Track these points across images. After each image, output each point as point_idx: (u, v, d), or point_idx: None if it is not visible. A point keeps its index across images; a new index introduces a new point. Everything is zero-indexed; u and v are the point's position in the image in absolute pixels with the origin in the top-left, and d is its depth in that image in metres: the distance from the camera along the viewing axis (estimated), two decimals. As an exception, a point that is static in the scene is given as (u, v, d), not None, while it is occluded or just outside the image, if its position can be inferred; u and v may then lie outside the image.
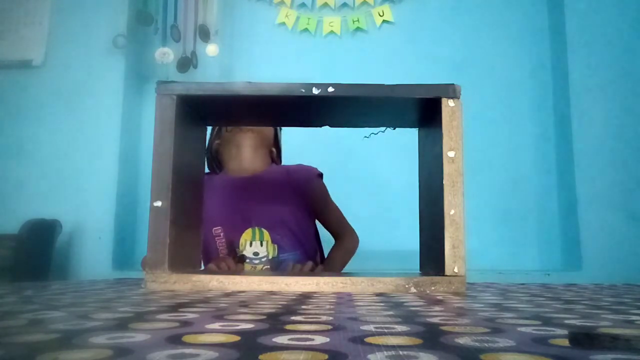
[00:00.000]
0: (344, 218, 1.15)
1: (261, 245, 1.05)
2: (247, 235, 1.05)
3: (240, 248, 1.05)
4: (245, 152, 1.09)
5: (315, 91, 0.66)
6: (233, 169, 1.11)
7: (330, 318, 0.34)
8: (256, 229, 1.05)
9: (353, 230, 1.14)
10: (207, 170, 1.12)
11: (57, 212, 1.58)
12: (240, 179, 1.09)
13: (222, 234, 1.07)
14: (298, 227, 1.09)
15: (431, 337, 0.27)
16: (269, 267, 1.03)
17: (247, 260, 1.04)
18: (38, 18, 1.79)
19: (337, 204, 1.16)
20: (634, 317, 0.36)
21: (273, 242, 1.05)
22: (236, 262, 1.02)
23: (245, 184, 1.08)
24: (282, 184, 1.10)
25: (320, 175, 1.14)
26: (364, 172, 1.73)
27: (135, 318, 0.33)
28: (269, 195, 1.08)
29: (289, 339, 0.26)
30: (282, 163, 1.19)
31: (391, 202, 1.68)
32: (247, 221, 1.06)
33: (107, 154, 1.67)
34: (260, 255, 1.04)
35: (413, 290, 0.60)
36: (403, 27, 1.80)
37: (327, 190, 1.15)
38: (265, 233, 1.05)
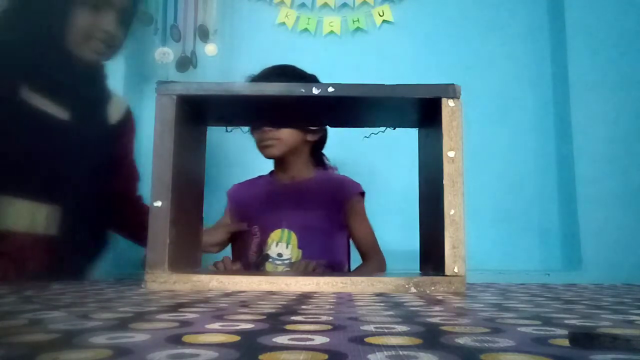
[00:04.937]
0: (375, 241, 1.15)
1: (287, 247, 1.06)
2: (275, 235, 1.07)
3: (267, 247, 1.06)
4: (278, 165, 1.13)
5: (315, 91, 0.66)
6: (275, 176, 1.15)
7: (330, 318, 0.34)
8: (285, 230, 1.07)
9: (382, 255, 1.14)
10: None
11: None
12: (283, 184, 1.12)
13: (258, 233, 1.09)
14: (328, 237, 1.10)
15: (431, 337, 0.27)
16: (289, 269, 1.03)
17: (270, 260, 1.06)
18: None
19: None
20: (634, 317, 0.36)
21: (299, 246, 1.06)
22: (260, 262, 1.04)
23: (286, 188, 1.12)
24: (321, 193, 1.12)
25: (362, 193, 1.16)
26: (364, 172, 1.73)
27: (135, 318, 0.33)
28: (306, 202, 1.10)
29: (289, 339, 0.26)
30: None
31: (391, 202, 1.68)
32: (279, 223, 1.08)
33: (107, 154, 1.67)
34: (283, 257, 1.06)
35: (413, 290, 0.60)
36: (403, 27, 1.80)
37: (364, 210, 1.16)
38: (293, 236, 1.07)
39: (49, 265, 0.86)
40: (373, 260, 1.13)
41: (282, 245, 1.06)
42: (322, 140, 1.18)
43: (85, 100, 0.96)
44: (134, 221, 1.04)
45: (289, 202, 1.10)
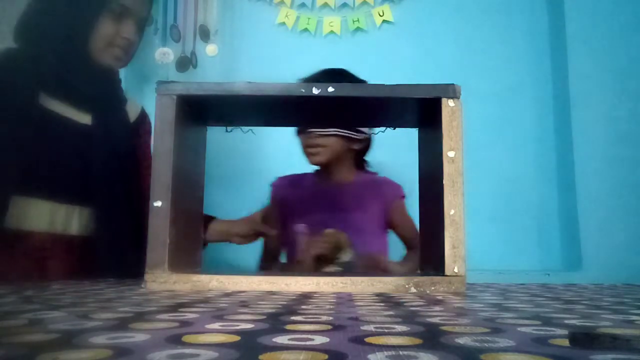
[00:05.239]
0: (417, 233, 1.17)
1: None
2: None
3: None
4: (322, 169, 1.15)
5: (315, 91, 0.66)
6: (319, 178, 1.17)
7: (330, 318, 0.34)
8: (335, 231, 1.08)
9: None
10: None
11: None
12: (327, 186, 1.15)
13: (306, 232, 1.11)
14: (373, 236, 1.13)
15: (431, 337, 0.27)
16: (341, 269, 1.05)
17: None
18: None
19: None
20: (634, 317, 0.36)
21: (350, 246, 1.07)
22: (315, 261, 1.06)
23: (331, 191, 1.14)
24: (365, 195, 1.15)
25: (404, 196, 1.19)
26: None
27: (135, 318, 0.33)
28: (351, 203, 1.12)
29: (289, 339, 0.26)
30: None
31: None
32: (327, 222, 1.09)
33: (107, 154, 1.66)
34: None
35: (413, 290, 0.60)
36: (403, 27, 1.80)
37: (405, 209, 1.19)
38: (344, 237, 1.08)
39: (70, 264, 0.88)
40: (417, 250, 1.16)
41: None
42: (366, 148, 1.19)
43: (104, 104, 0.99)
44: None
45: (335, 203, 1.12)
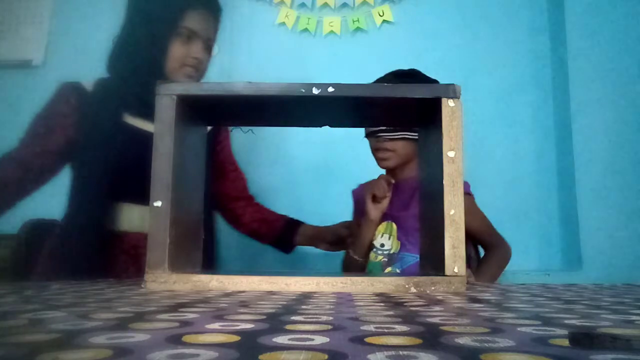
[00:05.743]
0: (493, 231, 1.17)
1: (389, 238, 1.08)
2: (381, 227, 1.12)
3: (374, 238, 1.11)
4: (389, 171, 1.15)
5: (315, 91, 0.66)
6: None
7: (330, 318, 0.34)
8: (389, 222, 1.10)
9: (503, 241, 1.16)
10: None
11: (57, 212, 1.58)
12: (396, 185, 1.15)
13: None
14: None
15: (431, 337, 0.27)
16: (386, 260, 1.06)
17: (374, 250, 1.08)
18: (38, 18, 1.79)
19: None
20: (634, 317, 0.36)
21: (398, 238, 1.07)
22: (367, 251, 1.10)
23: (398, 188, 1.15)
24: None
25: (469, 193, 1.17)
26: (365, 172, 1.73)
27: (135, 318, 0.33)
28: (411, 198, 1.12)
29: (289, 339, 0.26)
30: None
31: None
32: (385, 217, 1.11)
33: (107, 154, 1.66)
34: (384, 248, 1.09)
35: (413, 290, 0.60)
36: (403, 27, 1.80)
37: (472, 205, 1.16)
38: (394, 228, 1.10)
39: None
40: (493, 248, 1.15)
41: (385, 236, 1.10)
42: None
43: None
44: (252, 218, 1.24)
45: (396, 198, 1.12)
